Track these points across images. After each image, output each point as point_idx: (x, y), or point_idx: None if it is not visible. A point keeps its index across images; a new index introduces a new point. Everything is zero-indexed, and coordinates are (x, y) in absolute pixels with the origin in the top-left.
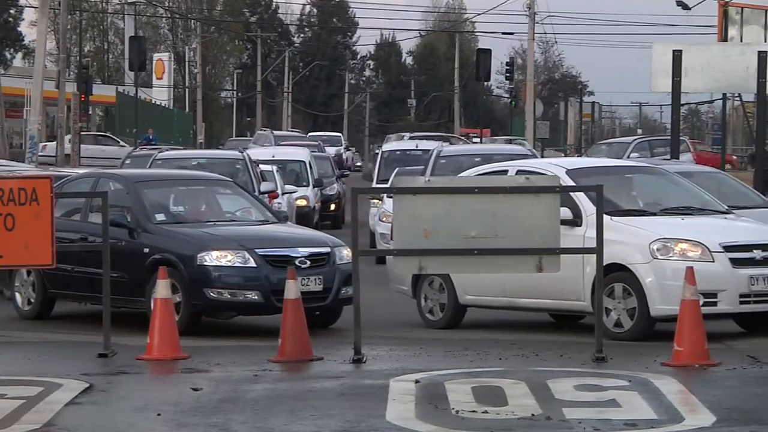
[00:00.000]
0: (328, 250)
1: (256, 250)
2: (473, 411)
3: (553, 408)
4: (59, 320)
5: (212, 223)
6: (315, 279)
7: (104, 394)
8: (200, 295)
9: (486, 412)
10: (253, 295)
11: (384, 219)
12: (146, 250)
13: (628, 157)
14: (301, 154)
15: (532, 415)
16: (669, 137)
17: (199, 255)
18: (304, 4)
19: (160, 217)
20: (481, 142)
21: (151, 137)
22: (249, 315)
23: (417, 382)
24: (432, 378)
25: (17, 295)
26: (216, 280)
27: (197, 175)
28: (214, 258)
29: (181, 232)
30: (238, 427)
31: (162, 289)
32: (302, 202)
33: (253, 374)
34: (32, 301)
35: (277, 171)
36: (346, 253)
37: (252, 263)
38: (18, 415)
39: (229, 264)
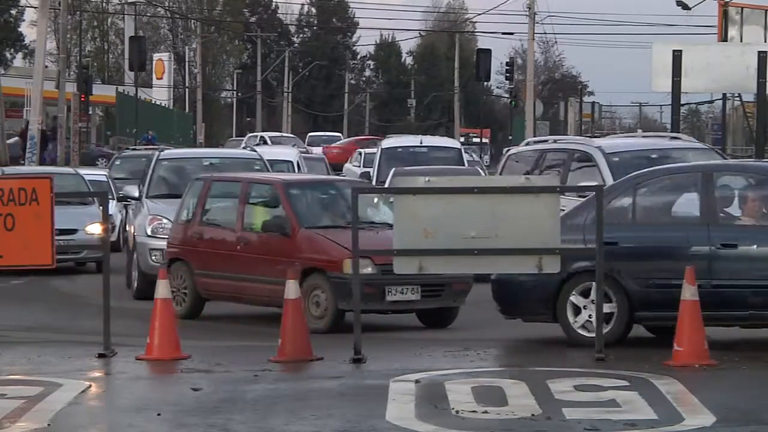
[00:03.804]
0: None
1: None
2: (473, 411)
3: (553, 408)
4: (57, 320)
5: None
6: None
7: (104, 394)
8: None
9: (486, 412)
10: None
11: None
12: None
13: None
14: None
15: (532, 415)
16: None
17: None
18: (304, 4)
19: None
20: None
21: (150, 137)
22: None
23: (417, 382)
24: (432, 378)
25: None
26: None
27: None
28: None
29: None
30: (238, 427)
31: (162, 289)
32: None
33: (253, 374)
34: None
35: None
36: None
37: None
38: (18, 415)
39: None
